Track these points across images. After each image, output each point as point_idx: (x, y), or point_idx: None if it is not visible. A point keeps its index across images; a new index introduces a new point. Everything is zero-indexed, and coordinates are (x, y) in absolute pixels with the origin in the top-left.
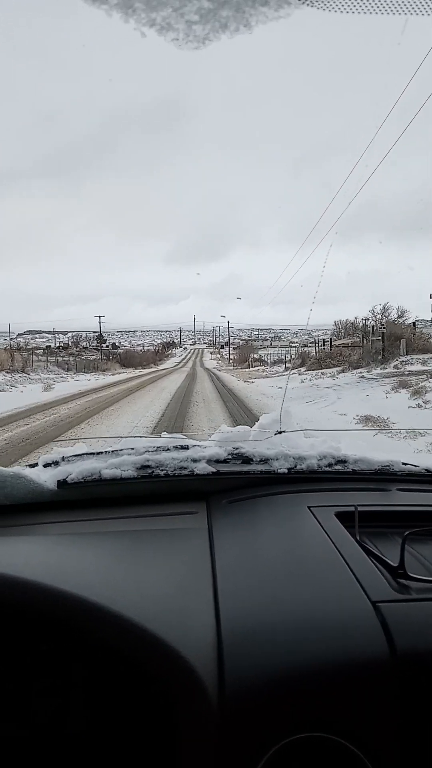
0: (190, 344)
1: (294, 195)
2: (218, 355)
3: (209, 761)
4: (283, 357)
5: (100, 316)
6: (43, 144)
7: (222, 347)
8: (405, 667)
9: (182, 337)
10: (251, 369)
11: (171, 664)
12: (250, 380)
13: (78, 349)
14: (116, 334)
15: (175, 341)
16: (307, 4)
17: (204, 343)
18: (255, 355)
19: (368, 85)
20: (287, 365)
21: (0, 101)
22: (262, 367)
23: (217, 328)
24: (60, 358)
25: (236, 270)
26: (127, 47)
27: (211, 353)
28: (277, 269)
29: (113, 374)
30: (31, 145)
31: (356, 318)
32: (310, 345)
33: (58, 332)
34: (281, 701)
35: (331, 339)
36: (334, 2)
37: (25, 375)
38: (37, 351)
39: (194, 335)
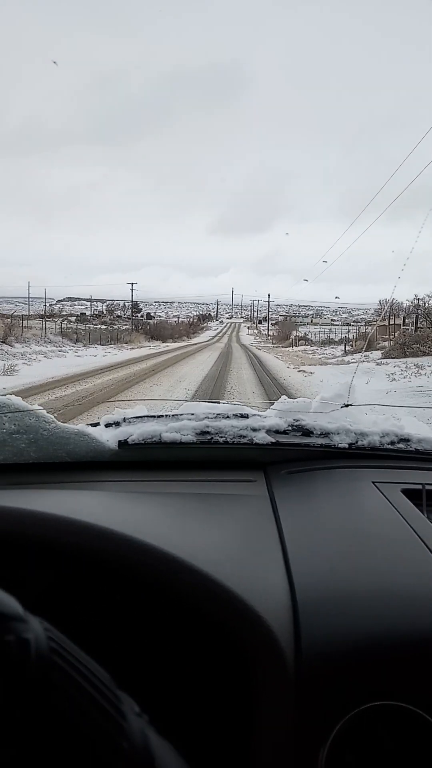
0: (227, 318)
1: (346, 171)
2: (256, 331)
3: (286, 723)
4: (330, 336)
5: (132, 284)
6: (97, 107)
7: (260, 322)
8: None
9: (219, 311)
10: (295, 348)
11: (249, 623)
12: (307, 370)
13: (112, 317)
14: (153, 304)
15: (212, 314)
16: None
17: (241, 317)
18: (297, 333)
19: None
20: (347, 347)
21: (56, 60)
22: (309, 348)
23: (256, 302)
24: (91, 326)
25: (280, 245)
26: (187, 10)
27: (248, 328)
28: (322, 246)
29: (133, 348)
30: (85, 107)
31: (417, 298)
32: (371, 324)
33: (97, 300)
34: (357, 668)
35: (388, 318)
36: None
37: (2, 348)
38: (70, 318)
39: (231, 309)
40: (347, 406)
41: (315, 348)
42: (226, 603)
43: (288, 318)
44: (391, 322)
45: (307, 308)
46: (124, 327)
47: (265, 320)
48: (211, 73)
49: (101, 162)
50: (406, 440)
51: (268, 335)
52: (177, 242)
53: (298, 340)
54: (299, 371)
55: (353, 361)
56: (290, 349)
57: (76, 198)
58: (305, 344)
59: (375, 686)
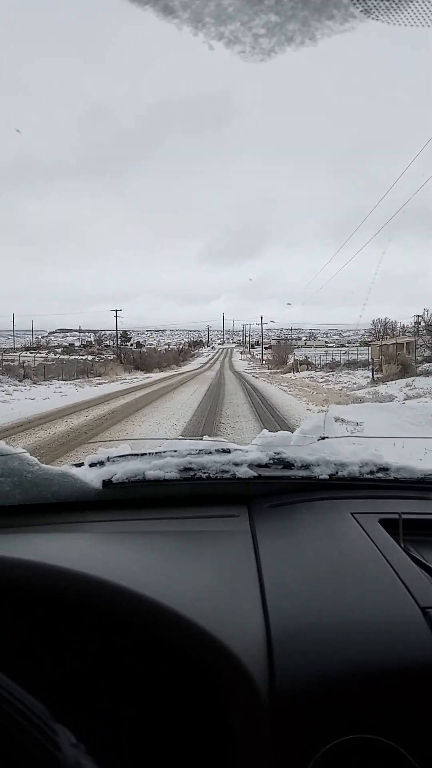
0: (219, 344)
1: (332, 196)
2: (249, 356)
3: (262, 758)
4: (334, 358)
5: (116, 311)
6: (88, 139)
7: (252, 347)
8: None
9: (210, 336)
10: (298, 375)
11: (222, 661)
12: (345, 416)
13: (101, 347)
14: (145, 332)
15: (203, 340)
16: (372, 18)
17: (233, 342)
18: (295, 357)
19: (418, 89)
20: (374, 373)
21: (49, 94)
22: (315, 373)
23: (247, 326)
24: (79, 357)
25: (270, 270)
26: (174, 46)
27: (241, 353)
28: (312, 270)
29: (102, 383)
30: (75, 140)
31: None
32: (372, 344)
33: (88, 330)
34: (332, 701)
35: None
36: (400, 16)
37: None
38: (57, 349)
39: (223, 334)
40: (324, 438)
41: (323, 374)
42: (200, 642)
43: (283, 341)
44: (391, 341)
45: (298, 331)
46: (110, 357)
47: (258, 344)
48: (200, 102)
49: (92, 193)
50: (384, 469)
51: (263, 360)
52: (168, 271)
53: (299, 365)
54: (335, 419)
55: (394, 394)
56: (291, 375)
57: (67, 229)
58: (308, 369)
59: (348, 719)
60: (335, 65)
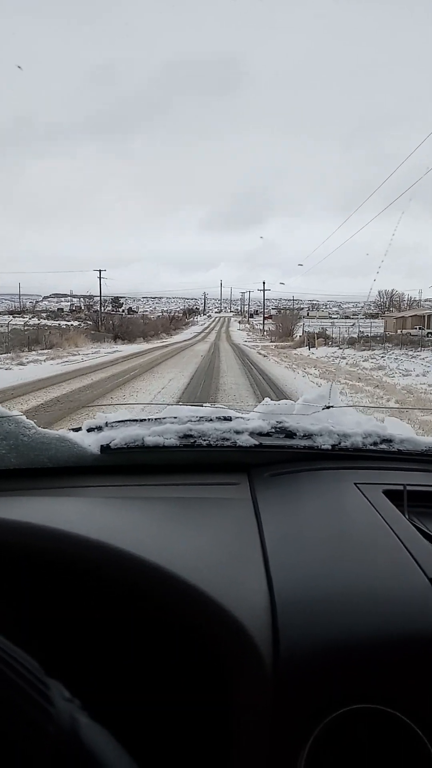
0: (216, 312)
1: (338, 168)
2: (248, 325)
3: (263, 727)
4: (343, 331)
5: (100, 271)
6: (92, 101)
7: (251, 315)
8: None
9: (207, 304)
10: (316, 353)
11: (226, 627)
12: None
13: (90, 312)
14: (142, 299)
15: (199, 308)
16: None
17: (231, 311)
18: (305, 328)
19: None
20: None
21: (54, 52)
22: (343, 352)
23: (246, 294)
24: (64, 322)
25: (273, 239)
26: (185, 7)
27: (239, 322)
28: (316, 240)
29: (37, 360)
30: (79, 102)
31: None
32: (387, 317)
33: (81, 296)
34: (336, 671)
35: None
36: None
37: None
38: (42, 314)
39: (220, 303)
40: (329, 407)
41: (356, 352)
42: (203, 607)
43: (284, 311)
44: (411, 314)
45: (298, 302)
46: (82, 326)
47: (257, 314)
48: (208, 68)
49: (94, 156)
50: (388, 441)
51: (264, 331)
52: (168, 237)
53: (315, 339)
54: None
55: None
56: (302, 351)
57: (67, 193)
58: (326, 344)
59: (352, 689)
60: (348, 36)
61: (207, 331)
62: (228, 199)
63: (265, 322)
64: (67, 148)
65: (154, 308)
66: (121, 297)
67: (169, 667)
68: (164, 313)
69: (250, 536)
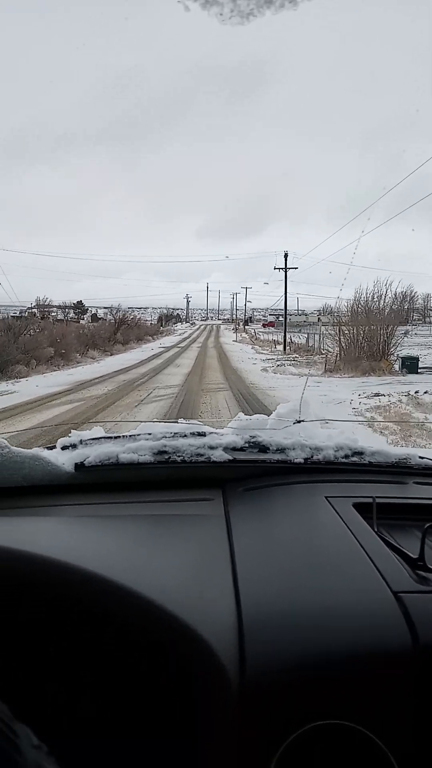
0: (200, 320)
1: (347, 177)
2: (245, 335)
3: (230, 744)
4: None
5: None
6: (100, 111)
7: (246, 323)
8: (426, 658)
9: (189, 308)
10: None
11: (192, 646)
12: None
13: (53, 319)
14: (128, 309)
15: (180, 315)
16: None
17: (219, 319)
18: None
19: None
20: None
21: (70, 59)
22: None
23: (237, 295)
24: None
25: (270, 248)
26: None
27: (234, 331)
28: (316, 248)
29: None
30: (87, 111)
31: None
32: None
33: (68, 307)
34: (302, 688)
35: None
36: None
37: None
38: None
39: (206, 309)
40: (300, 421)
41: None
42: (169, 627)
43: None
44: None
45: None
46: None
47: (252, 321)
48: (220, 77)
49: (95, 165)
50: (359, 453)
51: (275, 342)
52: (161, 247)
53: (388, 355)
54: None
55: None
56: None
57: (63, 204)
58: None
59: (316, 705)
60: (355, 42)
61: (187, 341)
62: (225, 208)
63: (267, 330)
64: (67, 158)
65: (138, 317)
66: (107, 308)
67: (136, 689)
68: (140, 320)
69: (221, 553)
